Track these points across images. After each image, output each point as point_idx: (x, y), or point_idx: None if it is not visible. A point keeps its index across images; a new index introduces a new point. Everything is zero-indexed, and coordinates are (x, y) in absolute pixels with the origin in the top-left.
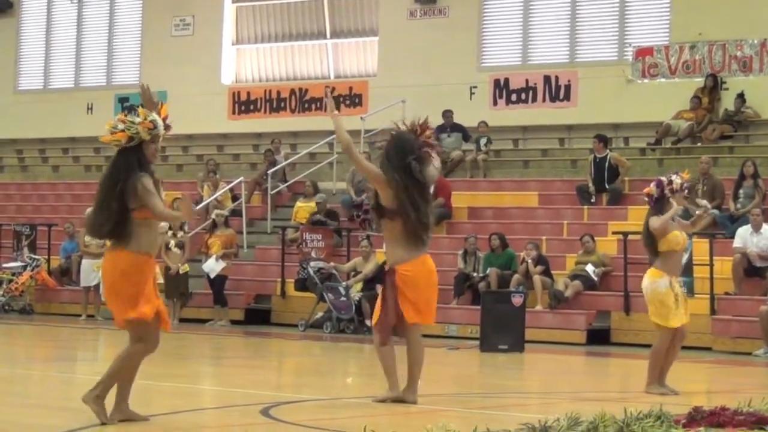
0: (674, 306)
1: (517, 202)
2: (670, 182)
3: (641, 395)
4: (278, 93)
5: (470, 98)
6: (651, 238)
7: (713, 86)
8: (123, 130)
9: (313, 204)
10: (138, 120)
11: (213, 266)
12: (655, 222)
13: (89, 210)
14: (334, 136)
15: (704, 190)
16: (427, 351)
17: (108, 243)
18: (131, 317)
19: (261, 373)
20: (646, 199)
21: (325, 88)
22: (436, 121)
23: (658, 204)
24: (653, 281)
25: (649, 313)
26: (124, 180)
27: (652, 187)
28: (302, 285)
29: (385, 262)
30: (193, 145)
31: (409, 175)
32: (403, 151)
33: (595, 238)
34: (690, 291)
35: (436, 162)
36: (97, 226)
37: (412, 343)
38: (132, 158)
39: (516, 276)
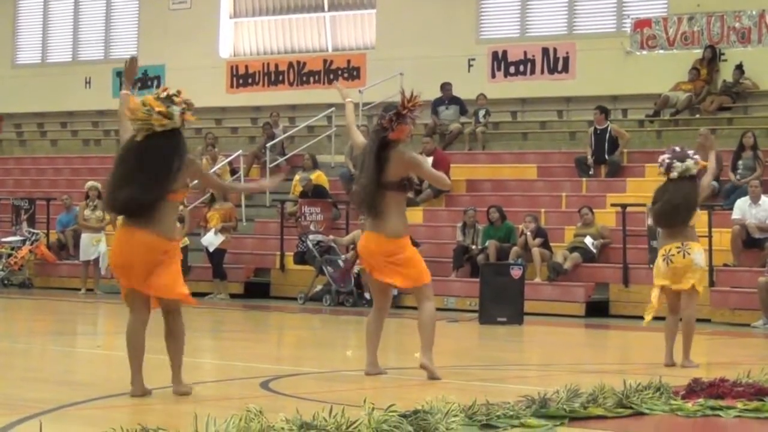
0: None
1: (515, 174)
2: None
3: (640, 367)
4: (276, 66)
5: (468, 71)
6: (691, 207)
7: (711, 58)
8: (166, 116)
9: (312, 177)
10: (177, 111)
11: (212, 240)
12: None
13: (90, 184)
14: (332, 109)
15: None
16: None
17: (120, 219)
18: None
19: (260, 347)
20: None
21: (335, 83)
22: (435, 93)
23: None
24: (700, 252)
25: (697, 284)
26: (180, 162)
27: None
28: (301, 258)
29: None
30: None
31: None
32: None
33: (594, 210)
34: None
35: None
36: (147, 205)
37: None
38: (178, 140)
39: (515, 248)
